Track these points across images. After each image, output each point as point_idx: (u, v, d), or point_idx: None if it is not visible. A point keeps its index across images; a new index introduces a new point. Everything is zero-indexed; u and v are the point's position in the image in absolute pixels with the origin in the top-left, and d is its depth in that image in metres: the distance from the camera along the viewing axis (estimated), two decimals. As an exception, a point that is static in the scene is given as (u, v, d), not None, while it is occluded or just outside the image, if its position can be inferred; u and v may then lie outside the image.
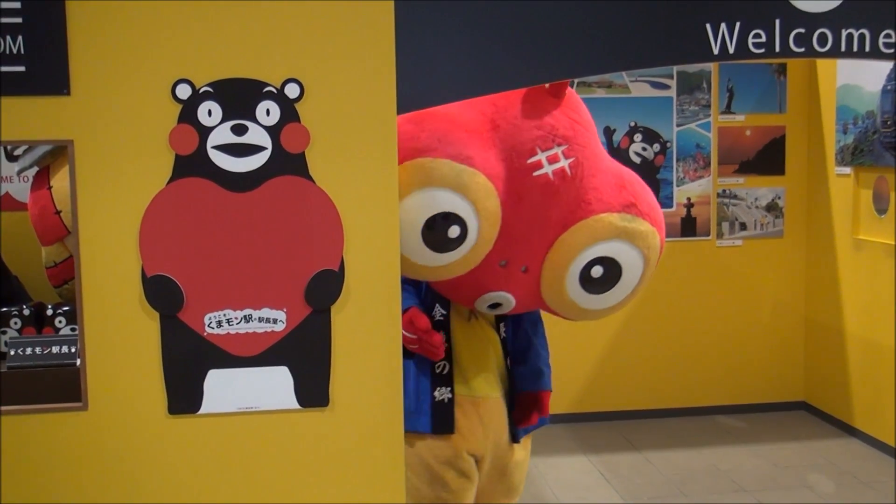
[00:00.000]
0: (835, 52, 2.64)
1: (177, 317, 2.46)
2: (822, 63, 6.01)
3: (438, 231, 2.71)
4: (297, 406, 2.53)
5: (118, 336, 2.46)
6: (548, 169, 2.75)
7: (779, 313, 6.33)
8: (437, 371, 3.08)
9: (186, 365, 2.48)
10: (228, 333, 2.49)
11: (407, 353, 3.03)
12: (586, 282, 2.86)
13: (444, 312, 3.11)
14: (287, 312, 2.50)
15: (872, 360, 5.57)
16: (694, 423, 6.04)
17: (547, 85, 2.74)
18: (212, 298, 2.47)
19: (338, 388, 2.55)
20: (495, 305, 2.97)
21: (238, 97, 2.43)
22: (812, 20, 2.61)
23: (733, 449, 5.63)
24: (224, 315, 2.48)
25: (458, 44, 2.52)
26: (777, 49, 2.62)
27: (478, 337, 3.15)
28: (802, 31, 2.61)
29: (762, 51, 2.61)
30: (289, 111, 2.45)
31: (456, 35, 2.51)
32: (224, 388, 2.50)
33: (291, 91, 2.45)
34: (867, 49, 2.66)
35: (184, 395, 2.49)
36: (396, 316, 2.56)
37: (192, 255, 2.45)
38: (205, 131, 2.43)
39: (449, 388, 3.07)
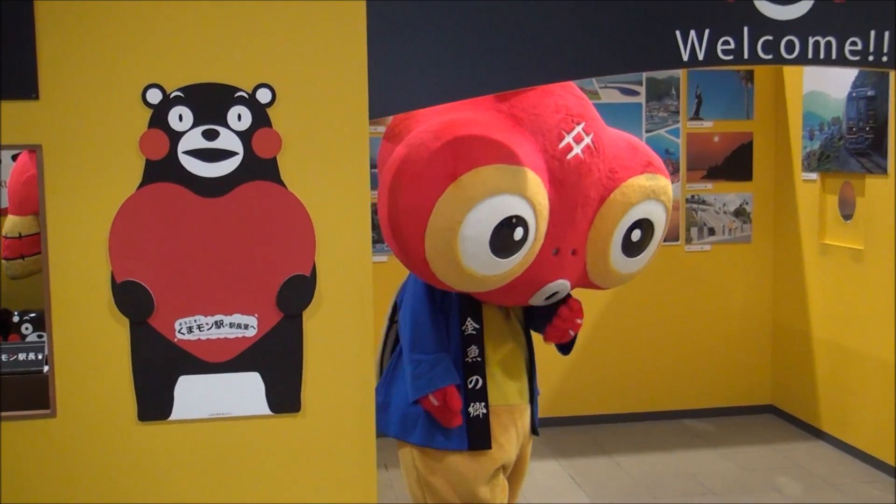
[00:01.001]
0: (802, 60, 2.67)
1: (147, 323, 2.45)
2: (788, 70, 6.07)
3: (505, 237, 2.66)
4: (269, 412, 2.52)
5: (87, 342, 2.45)
6: (578, 149, 2.78)
7: (747, 318, 6.38)
8: (470, 386, 3.00)
9: (157, 371, 2.47)
10: (199, 339, 2.47)
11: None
12: (627, 248, 2.92)
13: (477, 326, 3.02)
14: (258, 318, 2.49)
15: (839, 364, 5.63)
16: (663, 427, 6.07)
17: None
18: (182, 304, 2.46)
19: (309, 393, 2.54)
20: (553, 295, 2.95)
21: (209, 102, 2.42)
22: (780, 28, 2.64)
23: (702, 452, 5.67)
24: (195, 321, 2.47)
25: (430, 49, 2.52)
26: (745, 56, 2.65)
27: (509, 343, 3.11)
28: (770, 38, 2.64)
29: (731, 58, 2.64)
30: (260, 116, 2.44)
31: (428, 41, 2.52)
32: (195, 395, 2.49)
33: (263, 96, 2.44)
34: (833, 56, 2.69)
35: (154, 402, 2.48)
36: (368, 321, 2.56)
37: (163, 261, 2.44)
38: (176, 136, 2.41)
39: (483, 403, 3.01)
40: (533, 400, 3.21)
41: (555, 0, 2.54)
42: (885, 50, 2.71)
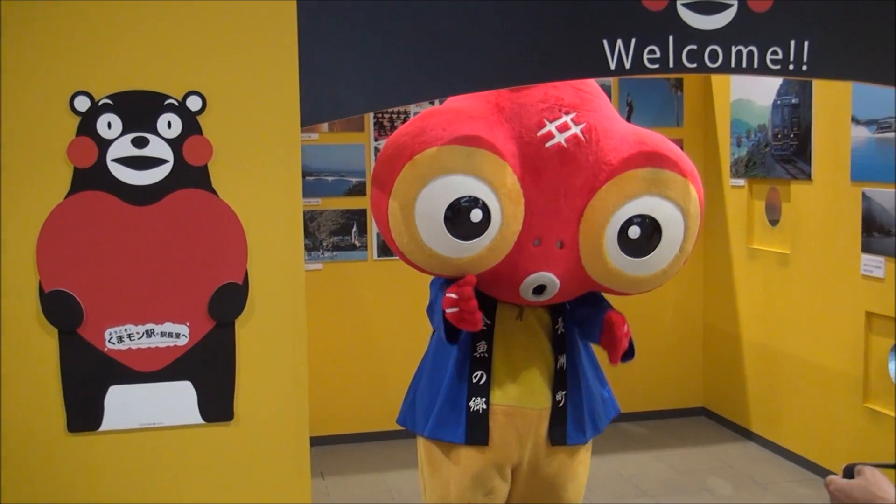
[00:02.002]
0: (725, 68, 2.74)
1: (76, 332, 2.42)
2: (716, 79, 6.20)
3: (461, 218, 2.69)
4: (201, 421, 2.51)
5: (15, 353, 2.41)
6: (560, 138, 2.75)
7: (679, 321, 6.49)
8: (474, 381, 2.97)
9: (86, 381, 2.44)
10: (130, 348, 2.45)
11: (446, 352, 3.00)
12: (626, 245, 2.79)
13: (489, 322, 2.97)
14: (190, 326, 2.48)
15: (768, 366, 5.75)
16: (598, 430, 6.15)
17: None
18: (112, 313, 2.43)
19: (242, 401, 2.54)
20: (540, 290, 2.83)
21: (139, 109, 2.40)
22: (703, 37, 2.70)
23: (636, 455, 5.74)
24: (125, 330, 2.45)
25: (361, 57, 2.53)
26: (671, 65, 2.70)
27: (522, 344, 3.01)
28: (694, 47, 2.70)
29: (657, 66, 2.69)
30: (191, 124, 2.43)
31: (359, 48, 2.53)
32: (126, 405, 2.47)
33: (193, 104, 2.43)
34: (755, 65, 2.76)
35: (84, 412, 2.45)
36: (301, 329, 2.56)
37: (92, 270, 2.41)
38: (104, 144, 2.40)
39: (484, 399, 2.96)
40: (558, 408, 3.04)
41: (483, 9, 2.57)
42: (805, 59, 2.79)
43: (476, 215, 2.69)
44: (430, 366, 3.12)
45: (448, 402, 2.99)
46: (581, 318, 3.10)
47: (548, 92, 2.81)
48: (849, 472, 1.77)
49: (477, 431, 2.97)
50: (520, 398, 3.00)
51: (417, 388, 3.16)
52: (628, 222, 2.79)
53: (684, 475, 5.39)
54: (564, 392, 3.07)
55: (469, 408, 2.97)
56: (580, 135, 2.78)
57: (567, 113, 2.78)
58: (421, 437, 3.12)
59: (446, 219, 2.70)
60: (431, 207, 2.70)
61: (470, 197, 2.68)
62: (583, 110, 2.81)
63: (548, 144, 2.76)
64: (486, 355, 2.98)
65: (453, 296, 2.74)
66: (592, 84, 2.96)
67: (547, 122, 2.77)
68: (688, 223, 2.87)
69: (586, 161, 2.79)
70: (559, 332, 3.09)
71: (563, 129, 2.77)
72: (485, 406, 2.97)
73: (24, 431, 2.43)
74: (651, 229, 2.80)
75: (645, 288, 2.99)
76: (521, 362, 3.01)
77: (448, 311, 2.77)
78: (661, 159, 2.84)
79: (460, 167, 2.68)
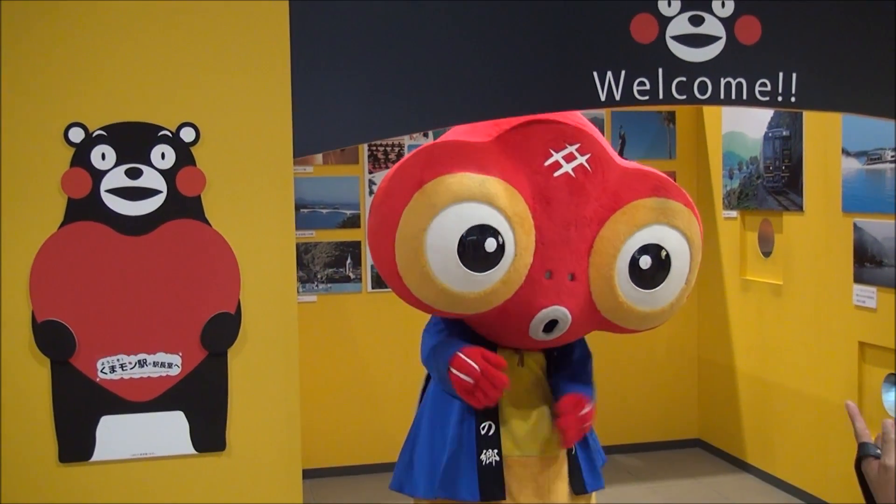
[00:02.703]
0: (714, 100, 2.77)
1: (68, 362, 2.42)
2: (708, 111, 6.25)
3: (475, 248, 2.57)
4: (193, 451, 2.51)
5: (7, 383, 2.41)
6: (567, 168, 2.70)
7: (673, 353, 6.49)
8: (483, 432, 2.81)
9: (78, 411, 2.44)
10: (122, 378, 2.45)
11: (445, 407, 2.86)
12: (637, 276, 2.71)
13: None
14: (182, 356, 2.48)
15: (762, 397, 5.75)
16: (593, 462, 6.13)
17: None
18: (105, 343, 2.44)
19: (235, 432, 2.53)
20: (551, 326, 2.72)
21: (132, 141, 2.42)
22: (692, 69, 2.74)
23: (631, 487, 5.72)
24: (117, 360, 2.45)
25: (355, 88, 2.56)
26: (661, 96, 2.73)
27: (526, 389, 2.89)
28: (684, 79, 2.73)
29: (647, 98, 2.72)
30: (184, 154, 2.45)
31: (353, 80, 2.56)
32: (117, 435, 2.46)
33: (187, 135, 2.45)
34: (744, 97, 2.79)
35: (75, 443, 2.44)
36: (294, 359, 2.57)
37: (85, 300, 2.42)
38: (98, 175, 2.41)
39: (496, 451, 2.80)
40: (572, 456, 2.94)
41: (475, 42, 2.60)
42: (793, 91, 2.82)
43: (491, 244, 2.57)
44: (427, 424, 2.94)
45: (455, 457, 2.82)
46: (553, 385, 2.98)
47: (549, 126, 2.77)
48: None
49: (492, 486, 2.79)
50: (533, 447, 2.86)
51: (414, 449, 2.96)
52: (639, 251, 2.72)
53: (679, 507, 5.38)
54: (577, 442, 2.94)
55: (481, 462, 2.79)
56: (586, 165, 2.74)
57: (571, 144, 2.74)
58: (426, 500, 2.91)
59: (459, 250, 2.58)
60: (444, 238, 2.57)
61: (484, 225, 2.58)
62: (585, 142, 2.78)
63: (556, 174, 2.70)
64: (492, 405, 2.80)
65: (475, 366, 2.64)
66: (587, 121, 2.95)
67: (553, 153, 2.71)
68: (693, 253, 2.82)
69: (594, 191, 2.74)
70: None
71: (569, 159, 2.72)
72: (497, 458, 2.81)
73: (16, 462, 2.42)
74: (661, 259, 2.75)
75: (652, 324, 2.89)
76: (528, 409, 2.88)
77: (461, 377, 2.66)
78: (666, 189, 2.82)
79: (474, 195, 2.57)
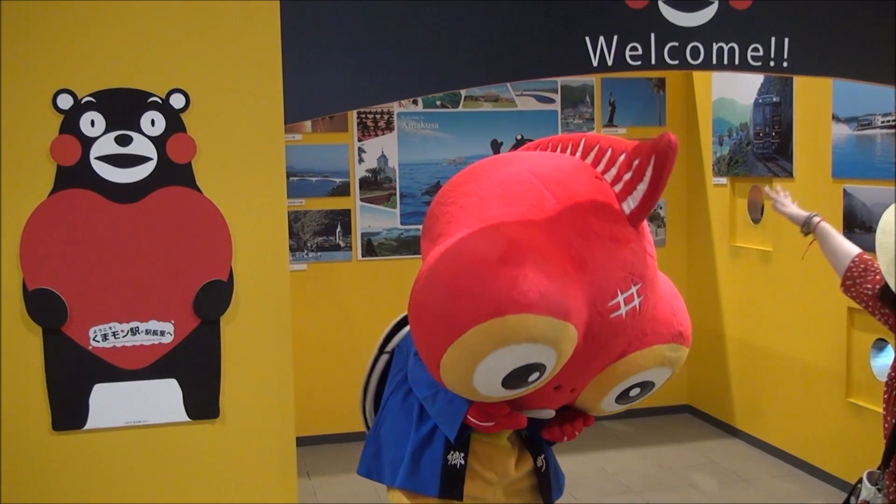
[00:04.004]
0: (707, 65, 2.76)
1: (60, 331, 2.42)
2: (698, 77, 6.23)
3: (520, 376, 2.54)
4: (187, 418, 2.51)
5: (-1, 352, 2.41)
6: (623, 310, 2.60)
7: (662, 320, 6.51)
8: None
9: (71, 380, 2.44)
10: (115, 347, 2.45)
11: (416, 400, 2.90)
12: (621, 399, 2.81)
13: None
14: (175, 324, 2.48)
15: (751, 363, 5.79)
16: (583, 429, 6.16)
17: (627, 211, 2.54)
18: (97, 311, 2.43)
19: (228, 399, 2.54)
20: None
21: (122, 107, 2.40)
22: (685, 34, 2.72)
23: (621, 452, 5.76)
24: (110, 328, 2.44)
25: (344, 55, 2.54)
26: (653, 62, 2.72)
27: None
28: (676, 44, 2.72)
29: (639, 63, 2.71)
30: (174, 121, 2.43)
31: (342, 46, 2.54)
32: (111, 403, 2.46)
33: (177, 101, 2.43)
34: (737, 62, 2.78)
35: (69, 411, 2.44)
36: (286, 326, 2.57)
37: (76, 268, 2.41)
38: (88, 142, 2.39)
39: (463, 455, 2.87)
40: (542, 473, 3.03)
41: (465, 8, 2.58)
42: (785, 56, 2.81)
43: (534, 376, 2.55)
44: (397, 415, 2.97)
45: (420, 450, 2.89)
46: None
47: (626, 256, 2.59)
48: None
49: (451, 486, 2.88)
50: (499, 457, 2.95)
51: (382, 438, 3.02)
52: (635, 385, 2.79)
53: (669, 472, 5.42)
54: (543, 456, 3.06)
55: (447, 460, 2.87)
56: (637, 307, 2.65)
57: (635, 283, 2.62)
58: (393, 490, 2.97)
59: (506, 375, 2.54)
60: (501, 365, 2.51)
61: (539, 363, 2.52)
62: (646, 280, 2.67)
63: (612, 315, 2.61)
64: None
65: (486, 424, 2.74)
66: (649, 234, 2.77)
67: (619, 293, 2.59)
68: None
69: (631, 331, 2.71)
70: None
71: (629, 301, 2.62)
72: (462, 461, 2.88)
73: (9, 430, 2.42)
74: (648, 389, 2.84)
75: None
76: (499, 437, 2.96)
77: (482, 424, 2.74)
78: (683, 338, 2.83)
79: (548, 340, 2.48)
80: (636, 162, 2.48)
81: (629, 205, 2.52)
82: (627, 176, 2.53)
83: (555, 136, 2.78)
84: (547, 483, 3.07)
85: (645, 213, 2.56)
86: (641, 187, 2.48)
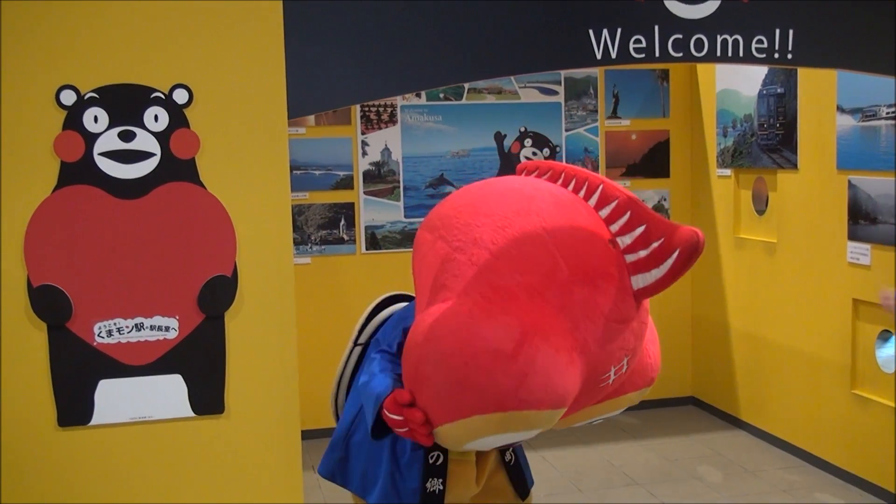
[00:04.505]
0: (711, 57, 2.75)
1: (65, 327, 2.42)
2: (702, 69, 6.21)
3: (507, 441, 2.62)
4: (192, 414, 2.51)
5: (4, 348, 2.41)
6: (612, 378, 2.63)
7: (667, 311, 6.50)
8: (431, 461, 2.82)
9: (76, 376, 2.44)
10: (119, 342, 2.45)
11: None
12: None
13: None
14: (179, 320, 2.48)
15: (755, 355, 5.78)
16: (588, 421, 6.17)
17: (634, 288, 2.50)
18: (102, 307, 2.43)
19: (233, 394, 2.54)
20: None
21: (125, 103, 2.40)
22: (689, 26, 2.72)
23: (626, 444, 5.76)
24: (114, 324, 2.45)
25: (347, 50, 2.54)
26: (657, 54, 2.71)
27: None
28: (680, 36, 2.72)
29: (643, 56, 2.71)
30: (178, 117, 2.43)
31: (345, 41, 2.53)
32: (116, 399, 2.47)
33: (180, 97, 2.43)
34: (741, 54, 2.77)
35: (74, 407, 2.45)
36: (291, 321, 2.57)
37: (81, 264, 2.41)
38: (91, 138, 2.39)
39: (441, 480, 2.84)
40: (512, 466, 3.07)
41: (469, 2, 2.57)
42: (790, 47, 2.81)
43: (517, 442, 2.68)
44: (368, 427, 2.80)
45: (396, 473, 2.83)
46: None
47: (626, 335, 2.57)
48: None
49: None
50: (472, 473, 2.94)
51: (352, 447, 2.93)
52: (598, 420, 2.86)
53: (674, 463, 5.42)
54: (511, 450, 3.08)
55: (426, 488, 2.82)
56: (624, 370, 2.66)
57: (627, 356, 2.62)
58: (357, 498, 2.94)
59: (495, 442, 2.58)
60: (495, 441, 2.55)
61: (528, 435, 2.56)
62: (636, 349, 2.67)
63: (601, 385, 2.63)
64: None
65: (397, 417, 2.52)
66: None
67: (612, 370, 2.60)
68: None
69: (613, 386, 2.71)
70: None
71: (619, 371, 2.63)
72: (441, 487, 2.84)
73: (14, 427, 2.42)
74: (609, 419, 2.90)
75: None
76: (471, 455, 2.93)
77: (393, 417, 2.53)
78: (653, 381, 2.86)
79: (543, 426, 2.51)
80: (655, 244, 2.42)
81: (638, 282, 2.48)
82: (643, 253, 2.46)
83: (568, 166, 2.68)
84: (519, 475, 3.09)
85: (651, 296, 2.52)
86: (656, 273, 2.43)
